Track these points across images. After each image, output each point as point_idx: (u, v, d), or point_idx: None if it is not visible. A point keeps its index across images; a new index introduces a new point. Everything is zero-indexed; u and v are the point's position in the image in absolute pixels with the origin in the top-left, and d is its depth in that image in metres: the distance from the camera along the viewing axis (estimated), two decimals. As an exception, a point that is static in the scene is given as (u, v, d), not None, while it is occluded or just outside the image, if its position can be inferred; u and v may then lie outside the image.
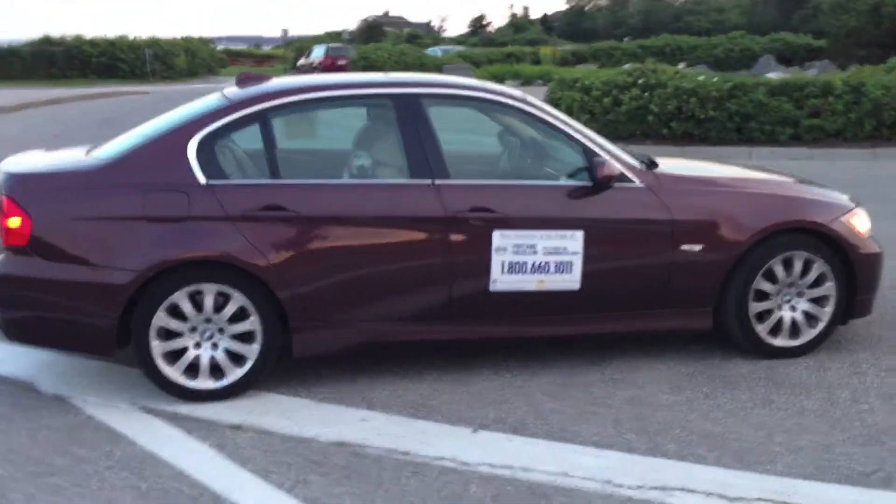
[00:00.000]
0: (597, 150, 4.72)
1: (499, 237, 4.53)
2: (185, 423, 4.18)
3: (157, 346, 4.31)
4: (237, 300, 4.34)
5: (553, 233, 4.58)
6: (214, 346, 4.39)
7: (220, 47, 65.83)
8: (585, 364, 4.88)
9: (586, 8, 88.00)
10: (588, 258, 4.62)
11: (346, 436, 4.03)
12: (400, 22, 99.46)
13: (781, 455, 3.82)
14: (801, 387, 4.57)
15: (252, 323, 4.38)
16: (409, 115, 4.57)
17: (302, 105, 4.63)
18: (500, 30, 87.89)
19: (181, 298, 4.29)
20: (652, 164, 4.95)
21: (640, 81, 14.85)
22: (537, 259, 4.57)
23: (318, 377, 4.71)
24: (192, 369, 4.37)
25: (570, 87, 15.78)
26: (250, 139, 4.50)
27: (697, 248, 4.75)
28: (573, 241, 4.60)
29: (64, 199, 4.29)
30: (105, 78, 37.97)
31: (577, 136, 4.75)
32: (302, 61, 42.37)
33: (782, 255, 4.85)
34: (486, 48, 44.12)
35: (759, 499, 3.45)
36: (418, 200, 4.48)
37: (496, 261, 4.54)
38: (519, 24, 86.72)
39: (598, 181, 4.58)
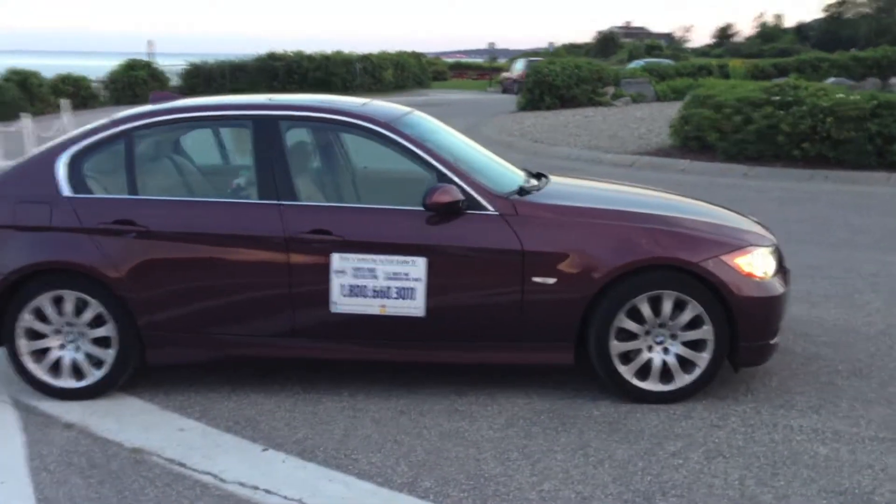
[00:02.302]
0: (451, 175, 4.66)
1: (338, 259, 4.58)
2: (35, 418, 4.57)
3: (24, 345, 4.74)
4: (94, 307, 4.69)
5: (394, 258, 4.57)
6: (77, 348, 4.76)
7: (450, 60, 68.02)
8: (444, 392, 4.81)
9: (847, 15, 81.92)
10: (433, 286, 4.57)
11: (148, 443, 4.25)
12: (640, 33, 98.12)
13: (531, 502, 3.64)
14: (636, 434, 4.28)
15: (108, 329, 4.71)
16: (264, 136, 4.73)
17: (165, 125, 4.92)
18: (748, 39, 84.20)
19: (45, 302, 4.70)
20: (528, 186, 4.82)
21: (776, 98, 13.95)
22: (378, 284, 4.58)
23: (188, 385, 4.96)
24: (56, 369, 4.77)
25: (702, 103, 15.08)
26: (115, 157, 4.84)
27: (550, 281, 4.55)
28: (415, 268, 4.56)
29: None
30: (319, 91, 40.38)
31: (432, 161, 4.70)
32: (504, 74, 43.06)
33: (648, 294, 4.54)
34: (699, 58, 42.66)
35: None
36: (262, 220, 4.63)
37: (335, 283, 4.59)
38: (769, 33, 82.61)
39: (427, 206, 4.52)
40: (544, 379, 4.96)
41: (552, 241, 4.59)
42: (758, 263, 4.67)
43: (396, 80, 43.57)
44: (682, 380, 4.63)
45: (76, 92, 29.13)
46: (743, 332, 4.58)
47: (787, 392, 4.78)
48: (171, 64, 41.69)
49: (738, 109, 14.23)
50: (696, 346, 4.61)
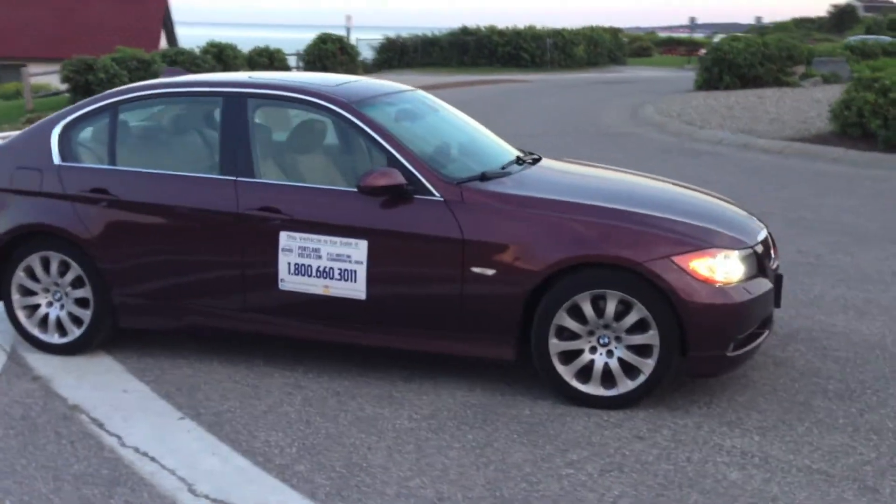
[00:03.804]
0: (400, 158, 4.57)
1: (285, 238, 4.63)
2: (16, 368, 4.95)
3: (18, 301, 5.13)
4: (74, 269, 5.00)
5: (337, 239, 4.56)
6: (62, 306, 5.10)
7: (663, 35, 65.96)
8: (393, 378, 4.76)
9: None
10: (373, 269, 4.52)
11: (87, 401, 4.49)
12: (884, 6, 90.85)
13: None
14: (549, 439, 4.06)
15: (86, 291, 5.01)
16: (231, 113, 4.84)
17: (147, 100, 5.15)
18: None
19: (35, 261, 5.06)
20: (491, 172, 4.73)
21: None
22: (322, 264, 4.59)
23: (164, 349, 5.17)
24: (45, 324, 5.13)
25: (867, 86, 13.81)
26: (100, 128, 5.11)
27: (489, 272, 4.39)
28: (357, 250, 4.53)
29: None
30: (508, 67, 40.42)
31: (384, 144, 4.62)
32: (703, 51, 41.30)
33: (591, 292, 4.28)
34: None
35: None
36: (220, 196, 4.75)
37: (283, 261, 4.64)
38: None
39: (360, 188, 4.46)
40: (503, 372, 4.78)
41: (493, 230, 4.41)
42: (720, 268, 4.28)
43: (588, 56, 42.85)
44: (625, 385, 4.34)
45: (270, 64, 30.67)
46: (693, 340, 4.23)
47: (747, 408, 4.37)
48: (370, 38, 43.10)
49: (907, 94, 12.93)
50: (641, 351, 4.30)
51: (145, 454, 3.93)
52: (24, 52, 34.29)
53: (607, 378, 4.36)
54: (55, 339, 5.11)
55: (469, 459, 3.87)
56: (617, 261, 4.24)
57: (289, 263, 4.64)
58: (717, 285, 4.24)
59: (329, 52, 32.76)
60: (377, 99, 5.03)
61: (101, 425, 4.23)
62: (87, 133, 5.16)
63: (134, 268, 4.91)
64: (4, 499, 3.56)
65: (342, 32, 37.35)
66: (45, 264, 5.05)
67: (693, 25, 57.37)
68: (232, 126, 4.83)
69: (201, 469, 3.79)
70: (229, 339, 5.14)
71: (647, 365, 4.29)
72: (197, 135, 5.13)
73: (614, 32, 46.64)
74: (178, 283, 4.87)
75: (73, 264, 4.99)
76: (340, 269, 4.56)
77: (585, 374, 4.38)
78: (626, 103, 22.31)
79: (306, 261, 4.61)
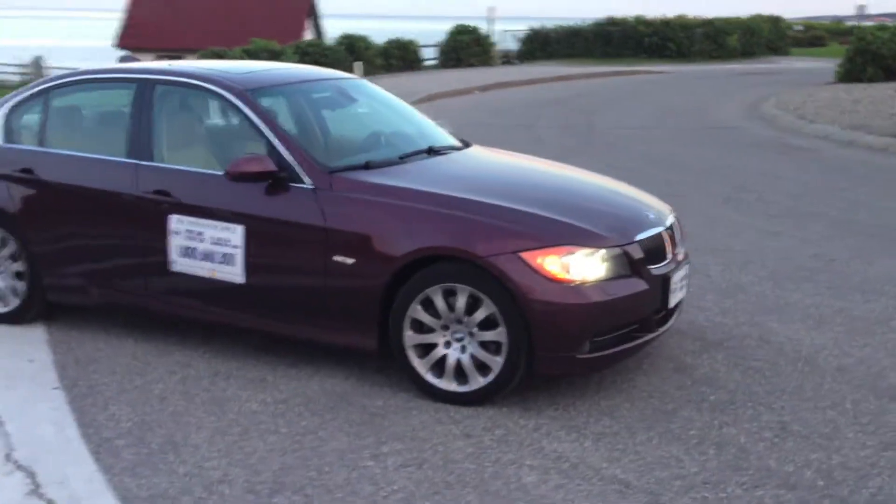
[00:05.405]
0: (278, 145, 4.62)
1: (174, 221, 4.78)
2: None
3: (-32, 275, 5.54)
4: (11, 244, 5.35)
5: (218, 224, 4.67)
6: (4, 279, 5.46)
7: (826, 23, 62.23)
8: (283, 363, 4.80)
9: None
10: (249, 254, 4.61)
11: (-7, 366, 4.83)
12: None
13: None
14: (370, 429, 4.03)
15: (21, 265, 5.35)
16: (140, 98, 5.04)
17: (73, 85, 5.42)
18: None
19: (-23, 236, 5.43)
20: (377, 160, 4.76)
21: None
22: (205, 247, 4.71)
23: (107, 322, 5.44)
24: (-7, 296, 5.51)
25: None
26: (34, 112, 5.42)
27: (349, 261, 4.38)
28: (234, 235, 4.63)
29: None
30: (653, 58, 39.32)
31: (266, 131, 4.68)
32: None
33: (442, 286, 4.19)
34: None
35: None
36: (122, 178, 4.96)
37: (172, 243, 4.80)
38: None
39: (227, 173, 4.54)
40: (388, 364, 4.74)
41: (354, 219, 4.40)
42: (575, 265, 4.09)
43: (743, 47, 41.01)
44: (477, 382, 4.23)
45: (403, 55, 31.23)
46: (538, 339, 4.07)
47: (604, 413, 4.17)
48: (516, 29, 42.99)
49: None
50: (491, 348, 4.17)
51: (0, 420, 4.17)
52: (183, 44, 36.42)
53: (460, 374, 4.26)
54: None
55: (283, 445, 3.89)
56: (463, 254, 4.13)
57: (178, 246, 4.78)
58: (568, 284, 4.06)
59: (463, 43, 32.94)
60: (282, 87, 5.11)
61: (-20, 398, 4.52)
62: (24, 116, 5.50)
63: (55, 245, 5.20)
64: None
65: (481, 24, 37.48)
66: (-6, 240, 5.42)
67: (861, 15, 53.73)
68: (139, 111, 5.03)
69: (32, 436, 3.99)
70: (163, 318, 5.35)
71: (497, 362, 4.16)
72: (112, 120, 5.37)
73: (775, 21, 44.36)
74: (92, 261, 5.12)
75: (10, 239, 5.33)
76: (222, 254, 4.67)
77: (440, 368, 4.30)
78: (752, 96, 21.29)
79: (192, 244, 4.74)
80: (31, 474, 3.64)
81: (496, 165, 5.33)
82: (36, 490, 3.52)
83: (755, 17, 43.14)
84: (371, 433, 4.00)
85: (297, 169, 4.56)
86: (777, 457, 3.74)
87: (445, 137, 5.53)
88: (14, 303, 5.42)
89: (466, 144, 5.57)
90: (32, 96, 5.45)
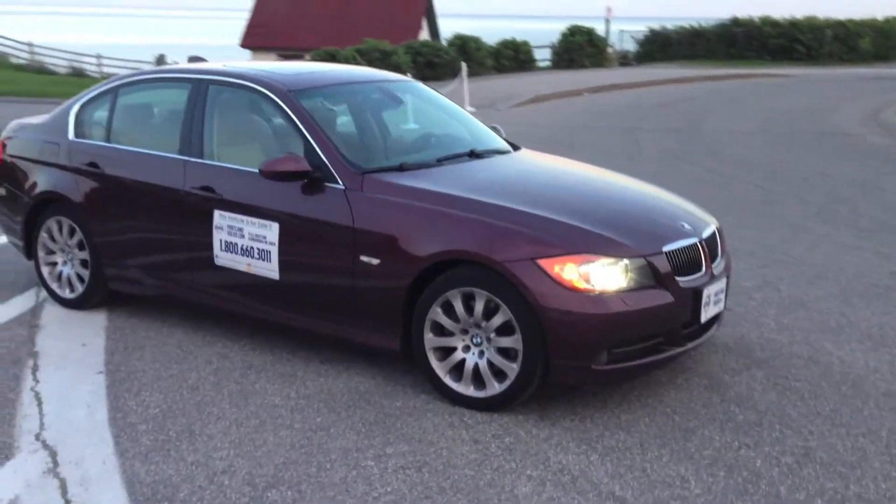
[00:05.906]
0: (315, 146, 4.70)
1: (218, 216, 4.94)
2: (25, 316, 5.67)
3: (42, 258, 5.86)
4: (78, 234, 5.64)
5: (256, 220, 4.79)
6: (72, 266, 5.76)
7: None
8: (314, 359, 4.90)
9: None
10: (283, 251, 4.71)
11: (47, 347, 5.10)
12: None
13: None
14: (378, 429, 4.05)
15: (86, 254, 5.63)
16: (194, 97, 5.21)
17: (139, 84, 5.65)
18: None
19: (52, 225, 5.75)
20: (411, 162, 4.81)
21: None
22: (245, 243, 4.85)
23: (151, 310, 5.69)
24: (60, 280, 5.82)
25: None
26: (104, 109, 5.68)
27: (375, 262, 4.42)
28: (270, 232, 4.74)
29: (13, 143, 6.07)
30: (779, 60, 37.95)
31: (305, 131, 4.76)
32: None
33: (461, 290, 4.18)
34: None
35: None
36: (173, 174, 5.15)
37: (216, 238, 4.96)
38: None
39: (261, 172, 4.63)
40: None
41: (382, 220, 4.44)
42: (595, 274, 4.01)
43: (877, 50, 39.12)
44: (493, 388, 4.20)
45: (515, 56, 31.14)
46: (553, 347, 4.01)
47: (620, 427, 4.07)
48: (635, 30, 42.28)
49: None
50: (508, 354, 4.14)
51: (37, 400, 4.41)
52: (304, 44, 37.34)
53: (478, 379, 4.24)
54: (66, 293, 5.78)
55: (292, 440, 3.96)
56: (481, 259, 4.11)
57: (220, 240, 4.94)
58: (586, 293, 3.98)
59: (577, 44, 32.61)
60: (327, 88, 5.21)
61: (35, 370, 4.78)
62: (94, 113, 5.77)
63: (115, 237, 5.44)
64: None
65: (601, 24, 37.02)
66: (60, 227, 5.73)
67: None
68: (192, 110, 5.21)
69: (64, 417, 4.20)
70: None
71: (513, 369, 4.12)
72: (169, 117, 5.56)
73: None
74: (148, 253, 5.34)
75: (77, 229, 5.62)
76: (259, 249, 4.79)
77: (459, 372, 4.29)
78: (876, 102, 20.33)
79: (233, 239, 4.88)
80: (53, 454, 3.84)
81: (536, 170, 5.27)
82: (53, 469, 3.70)
83: (891, 18, 41.02)
84: (380, 433, 4.03)
85: (331, 169, 4.63)
86: (790, 484, 3.57)
87: (493, 141, 5.52)
88: (79, 289, 5.71)
89: (516, 148, 5.54)
90: (101, 94, 5.72)
